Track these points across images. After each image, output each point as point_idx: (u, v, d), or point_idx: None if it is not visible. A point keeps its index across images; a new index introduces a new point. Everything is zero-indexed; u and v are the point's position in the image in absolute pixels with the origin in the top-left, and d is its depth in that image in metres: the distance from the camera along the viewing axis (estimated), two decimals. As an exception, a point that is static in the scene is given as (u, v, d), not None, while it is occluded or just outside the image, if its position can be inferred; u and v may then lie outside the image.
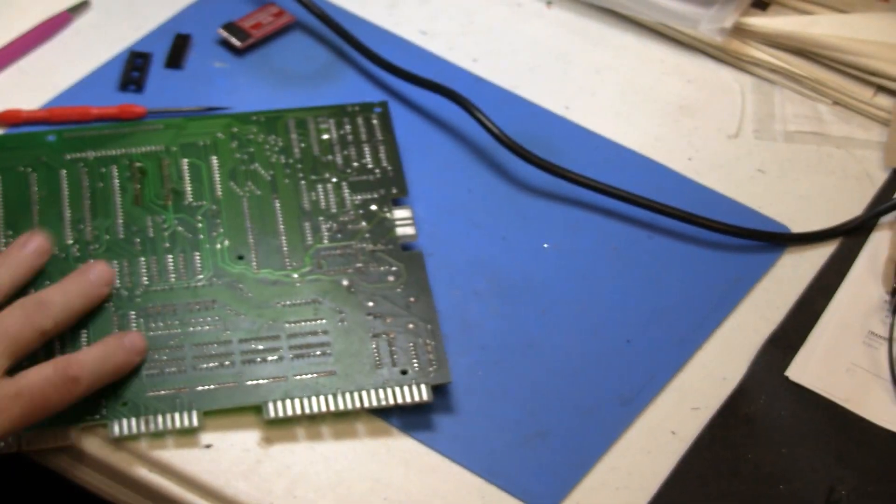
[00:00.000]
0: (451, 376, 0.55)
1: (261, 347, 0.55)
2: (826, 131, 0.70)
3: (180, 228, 0.59)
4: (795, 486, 0.54)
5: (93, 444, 0.53)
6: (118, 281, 0.56)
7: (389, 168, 0.62)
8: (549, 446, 0.55)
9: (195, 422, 0.53)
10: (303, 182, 0.61)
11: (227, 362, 0.54)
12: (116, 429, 0.52)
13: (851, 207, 0.66)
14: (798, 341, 0.59)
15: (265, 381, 0.54)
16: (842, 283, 0.62)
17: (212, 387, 0.54)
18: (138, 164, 0.61)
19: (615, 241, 0.63)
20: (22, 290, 0.55)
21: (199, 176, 0.61)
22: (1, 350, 0.50)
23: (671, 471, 0.54)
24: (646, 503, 0.54)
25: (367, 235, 0.59)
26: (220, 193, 0.60)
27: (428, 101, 0.68)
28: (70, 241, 0.58)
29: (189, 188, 0.60)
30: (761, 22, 0.72)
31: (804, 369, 0.58)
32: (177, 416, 0.53)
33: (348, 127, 0.63)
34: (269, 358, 0.55)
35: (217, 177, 0.61)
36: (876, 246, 0.64)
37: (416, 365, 0.55)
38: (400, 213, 0.60)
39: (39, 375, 0.50)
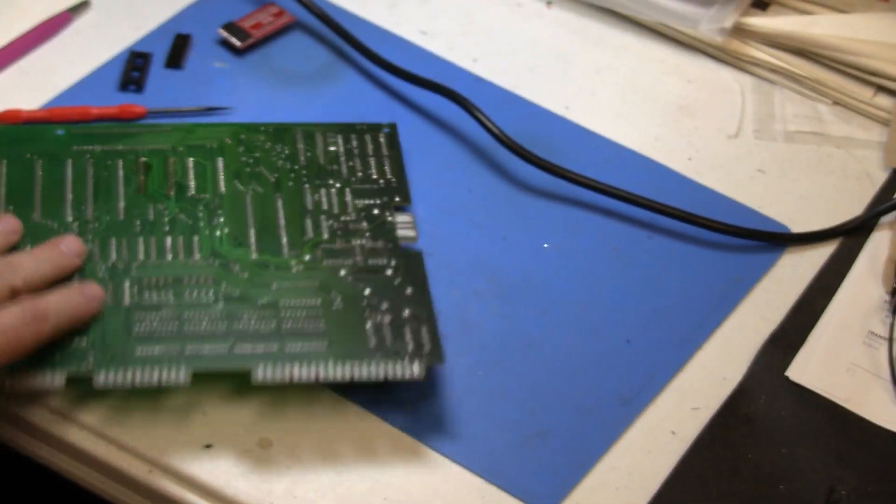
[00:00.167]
0: (444, 358, 0.55)
1: (253, 319, 0.55)
2: (826, 131, 0.70)
3: (182, 216, 0.59)
4: (795, 486, 0.54)
5: (93, 444, 0.54)
6: (114, 254, 0.57)
7: (393, 179, 0.62)
8: (549, 446, 0.55)
9: (182, 378, 0.52)
10: (306, 185, 0.61)
11: (218, 330, 0.54)
12: (102, 378, 0.52)
13: (851, 207, 0.66)
14: (798, 341, 0.59)
15: (257, 348, 0.54)
16: (842, 283, 0.62)
17: (202, 349, 0.54)
18: (144, 159, 0.61)
19: (615, 241, 0.63)
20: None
21: (203, 173, 0.61)
22: None
23: (671, 471, 0.54)
24: (646, 503, 0.54)
25: (368, 234, 0.59)
26: (223, 189, 0.60)
27: (428, 101, 0.68)
28: (70, 219, 0.58)
29: (193, 183, 0.60)
30: (761, 22, 0.72)
31: (804, 369, 0.58)
32: (165, 371, 0.53)
33: (355, 142, 0.64)
34: (262, 329, 0.55)
35: (221, 175, 0.61)
36: (876, 246, 0.64)
37: (409, 345, 0.55)
38: (402, 217, 0.60)
39: (8, 313, 0.51)
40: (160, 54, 0.69)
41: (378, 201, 0.61)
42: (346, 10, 0.72)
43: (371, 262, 0.58)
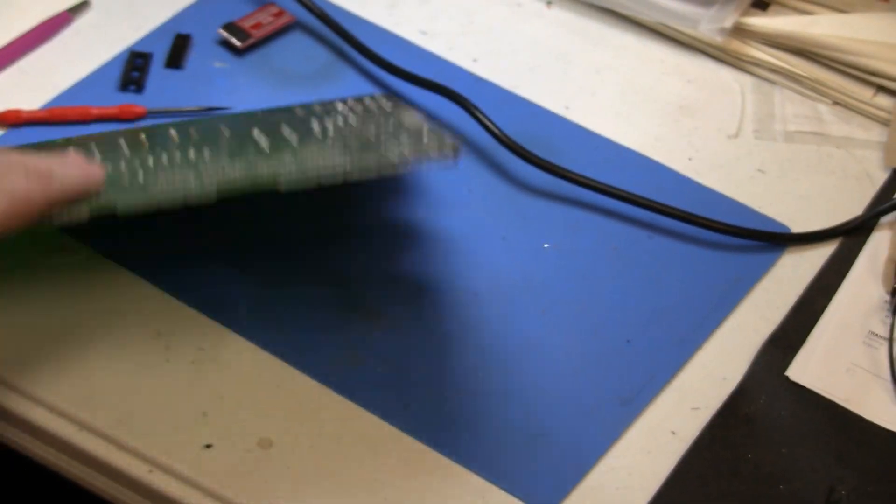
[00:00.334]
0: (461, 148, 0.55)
1: (265, 142, 0.56)
2: (826, 131, 0.70)
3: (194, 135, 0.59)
4: (795, 486, 0.54)
5: (93, 444, 0.54)
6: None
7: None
8: (549, 446, 0.55)
9: (209, 190, 0.52)
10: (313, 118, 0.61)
11: (241, 152, 0.55)
12: (123, 202, 0.52)
13: (851, 207, 0.66)
14: (798, 341, 0.59)
15: (278, 164, 0.55)
16: (842, 283, 0.62)
17: (226, 170, 0.54)
18: (143, 136, 0.60)
19: (615, 241, 0.63)
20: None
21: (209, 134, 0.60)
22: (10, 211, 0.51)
23: (671, 471, 0.54)
24: (646, 503, 0.54)
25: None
26: (227, 136, 0.59)
27: (428, 101, 0.68)
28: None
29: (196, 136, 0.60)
30: (761, 22, 0.72)
31: (804, 369, 0.58)
32: (191, 179, 0.53)
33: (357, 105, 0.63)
34: (280, 148, 0.55)
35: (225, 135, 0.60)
36: (876, 246, 0.64)
37: (425, 139, 0.55)
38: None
39: (13, 177, 0.51)
40: (160, 54, 0.69)
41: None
42: (346, 10, 0.72)
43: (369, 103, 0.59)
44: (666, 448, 0.55)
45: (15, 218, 0.50)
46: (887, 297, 0.61)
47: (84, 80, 0.67)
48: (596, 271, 0.62)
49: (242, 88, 0.68)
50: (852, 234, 0.64)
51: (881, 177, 0.68)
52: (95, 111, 0.65)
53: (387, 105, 0.60)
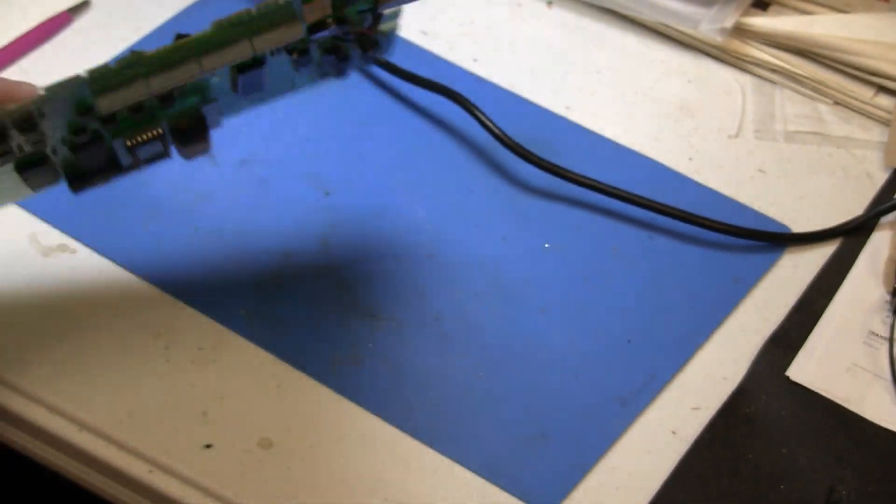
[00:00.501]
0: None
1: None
2: (826, 131, 0.70)
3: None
4: (795, 486, 0.54)
5: (93, 444, 0.54)
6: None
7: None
8: (549, 446, 0.55)
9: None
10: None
11: None
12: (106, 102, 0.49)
13: (852, 207, 0.66)
14: (798, 341, 0.59)
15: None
16: (842, 283, 0.62)
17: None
18: None
19: (615, 241, 0.63)
20: None
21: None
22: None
23: (671, 471, 0.54)
24: (646, 503, 0.54)
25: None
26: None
27: (428, 101, 0.68)
28: None
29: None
30: (762, 22, 0.72)
31: (805, 369, 0.58)
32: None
33: None
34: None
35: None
36: (876, 246, 0.64)
37: None
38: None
39: None
40: (160, 54, 0.69)
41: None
42: (346, 10, 0.72)
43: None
44: (666, 448, 0.55)
45: None
46: (888, 297, 0.61)
47: (84, 80, 0.67)
48: (596, 271, 0.62)
49: (242, 88, 0.68)
50: (853, 234, 0.64)
51: (881, 177, 0.68)
52: (95, 111, 0.65)
53: None
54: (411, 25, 0.72)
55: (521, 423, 0.56)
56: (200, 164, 0.63)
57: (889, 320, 0.60)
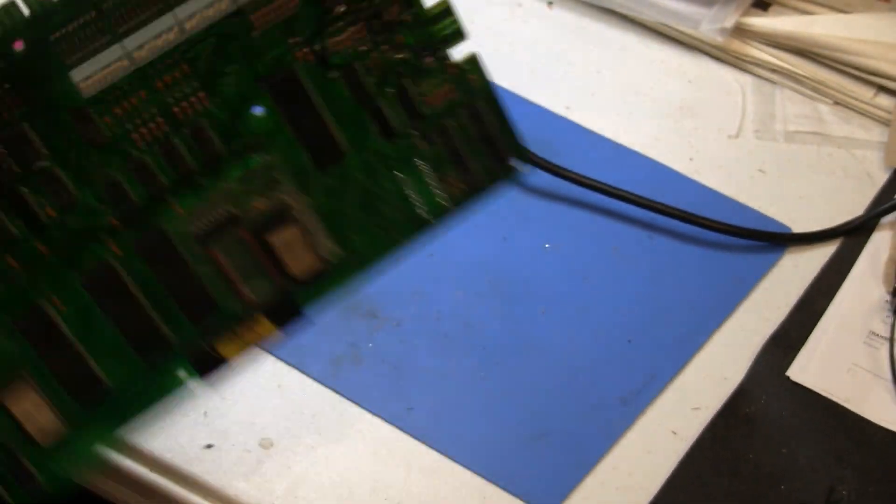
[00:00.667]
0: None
1: None
2: (827, 131, 0.70)
3: None
4: (795, 486, 0.54)
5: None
6: None
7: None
8: (549, 446, 0.55)
9: None
10: None
11: None
12: None
13: (852, 207, 0.66)
14: (799, 341, 0.59)
15: None
16: (843, 283, 0.62)
17: None
18: None
19: (615, 241, 0.63)
20: None
21: None
22: None
23: (672, 471, 0.54)
24: (647, 503, 0.53)
25: None
26: None
27: (428, 101, 0.67)
28: None
29: None
30: (762, 22, 0.72)
31: (805, 369, 0.58)
32: None
33: None
34: None
35: None
36: (877, 246, 0.64)
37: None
38: None
39: None
40: (160, 54, 0.69)
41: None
42: (346, 10, 0.72)
43: None
44: (667, 448, 0.55)
45: None
46: (888, 297, 0.61)
47: (84, 80, 0.67)
48: (596, 271, 0.62)
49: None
50: (853, 235, 0.64)
51: (882, 177, 0.68)
52: (96, 111, 0.65)
53: None
54: (411, 25, 0.72)
55: (522, 422, 0.56)
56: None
57: (889, 320, 0.60)
